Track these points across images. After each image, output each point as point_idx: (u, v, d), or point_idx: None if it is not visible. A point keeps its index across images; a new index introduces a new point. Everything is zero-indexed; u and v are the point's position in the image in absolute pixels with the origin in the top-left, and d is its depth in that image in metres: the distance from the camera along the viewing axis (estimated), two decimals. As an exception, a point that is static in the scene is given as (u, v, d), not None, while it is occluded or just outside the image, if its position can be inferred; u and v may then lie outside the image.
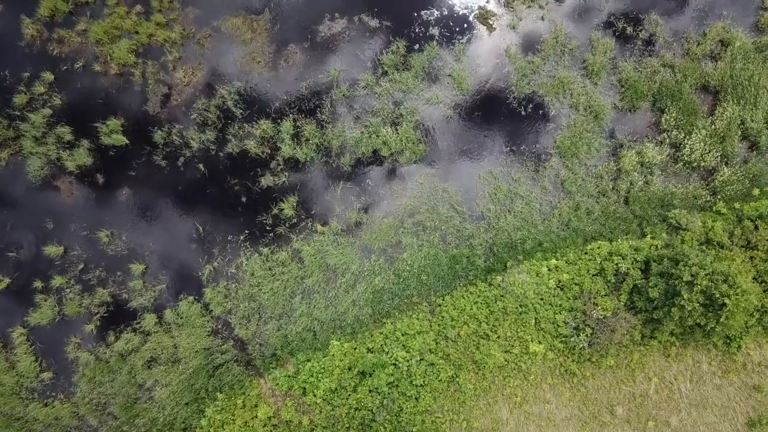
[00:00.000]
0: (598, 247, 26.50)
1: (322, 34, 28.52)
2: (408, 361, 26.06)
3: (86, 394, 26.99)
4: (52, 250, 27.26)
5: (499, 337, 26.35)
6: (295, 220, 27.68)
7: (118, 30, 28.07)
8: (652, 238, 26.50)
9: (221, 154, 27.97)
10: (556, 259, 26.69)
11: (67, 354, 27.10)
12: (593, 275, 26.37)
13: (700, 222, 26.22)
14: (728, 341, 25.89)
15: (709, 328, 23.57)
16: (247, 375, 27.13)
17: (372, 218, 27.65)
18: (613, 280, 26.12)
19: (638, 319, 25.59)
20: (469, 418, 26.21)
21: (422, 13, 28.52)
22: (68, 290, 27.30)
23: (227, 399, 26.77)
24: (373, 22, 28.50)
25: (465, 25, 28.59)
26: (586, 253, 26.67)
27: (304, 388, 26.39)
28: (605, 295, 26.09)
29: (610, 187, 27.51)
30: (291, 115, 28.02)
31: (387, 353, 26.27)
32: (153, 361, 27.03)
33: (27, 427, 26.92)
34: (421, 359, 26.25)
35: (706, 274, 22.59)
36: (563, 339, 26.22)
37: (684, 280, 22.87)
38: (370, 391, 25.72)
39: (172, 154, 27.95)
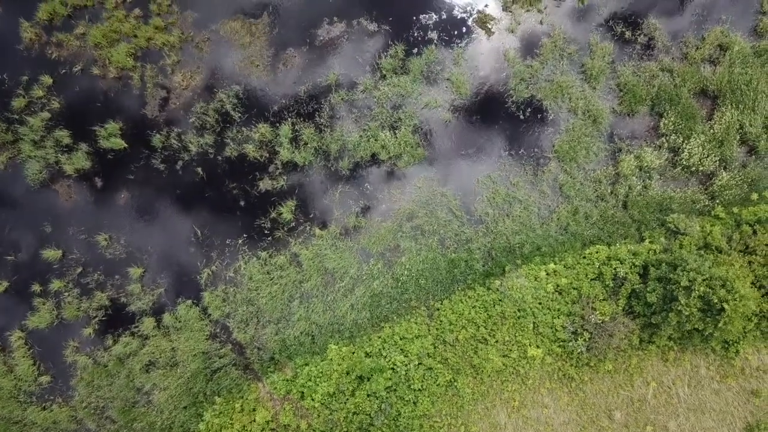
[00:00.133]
0: (597, 252, 26.49)
1: (321, 38, 28.51)
2: (406, 365, 26.04)
3: (84, 398, 27.01)
4: (51, 253, 27.26)
5: (497, 341, 26.34)
6: (293, 224, 27.68)
7: (117, 33, 28.05)
8: (650, 242, 26.49)
9: (220, 157, 27.96)
10: (555, 264, 26.69)
11: (65, 357, 27.13)
12: (591, 280, 26.36)
13: (699, 226, 26.20)
14: (726, 346, 25.87)
15: (707, 333, 23.57)
16: (246, 379, 27.13)
17: (370, 222, 27.65)
18: (612, 285, 26.12)
19: (636, 323, 25.59)
20: (467, 423, 26.21)
21: (421, 17, 28.50)
22: (66, 294, 27.32)
23: (225, 403, 26.77)
24: (372, 26, 28.50)
25: (464, 29, 28.58)
26: (584, 258, 26.66)
27: (303, 392, 26.39)
28: (603, 300, 26.09)
29: (609, 191, 27.51)
30: (289, 119, 28.01)
31: (385, 357, 26.26)
32: (151, 364, 27.04)
33: (25, 430, 26.97)
34: (419, 363, 26.24)
35: (704, 280, 22.59)
36: (561, 343, 26.21)
37: (681, 285, 22.86)
38: (368, 395, 25.72)
39: (170, 157, 27.95)
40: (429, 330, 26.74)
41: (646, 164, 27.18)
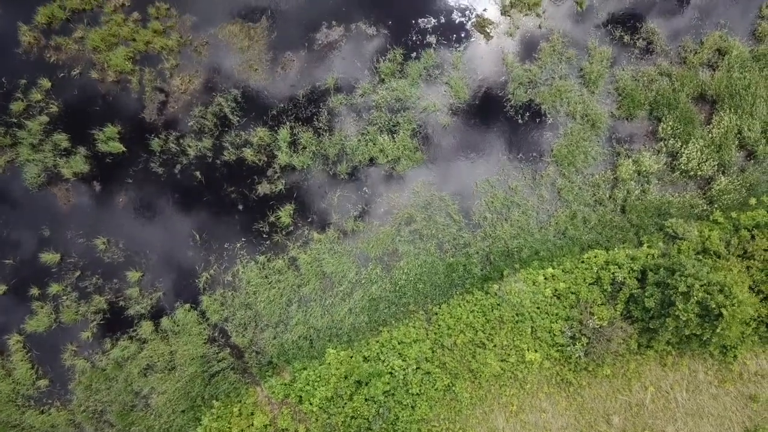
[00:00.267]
0: (595, 256, 26.47)
1: (320, 42, 28.51)
2: (404, 369, 26.03)
3: (82, 402, 27.01)
4: (49, 257, 27.27)
5: (495, 345, 26.34)
6: (291, 228, 27.68)
7: (115, 37, 28.05)
8: (648, 247, 26.49)
9: (218, 161, 27.97)
10: (553, 268, 26.68)
11: (63, 361, 27.12)
12: (590, 284, 26.35)
13: (697, 231, 26.19)
14: (724, 351, 25.84)
15: (705, 338, 23.54)
16: (244, 383, 27.13)
17: (369, 226, 27.64)
18: (610, 290, 26.10)
19: (634, 328, 25.59)
20: (465, 427, 26.20)
21: (420, 21, 28.50)
22: (65, 297, 27.32)
23: (223, 407, 26.77)
24: (371, 30, 28.50)
25: (462, 34, 28.57)
26: (582, 262, 26.65)
27: (301, 397, 26.38)
28: (601, 305, 26.08)
29: (607, 195, 27.50)
30: (288, 123, 28.01)
31: (383, 362, 26.25)
32: (149, 368, 27.04)
33: (23, 434, 26.99)
34: (417, 368, 26.23)
35: (702, 285, 22.58)
36: (559, 348, 26.20)
37: (680, 290, 22.85)
38: (366, 399, 25.71)
39: (168, 161, 27.95)
40: (427, 334, 26.73)
41: (644, 169, 27.17)
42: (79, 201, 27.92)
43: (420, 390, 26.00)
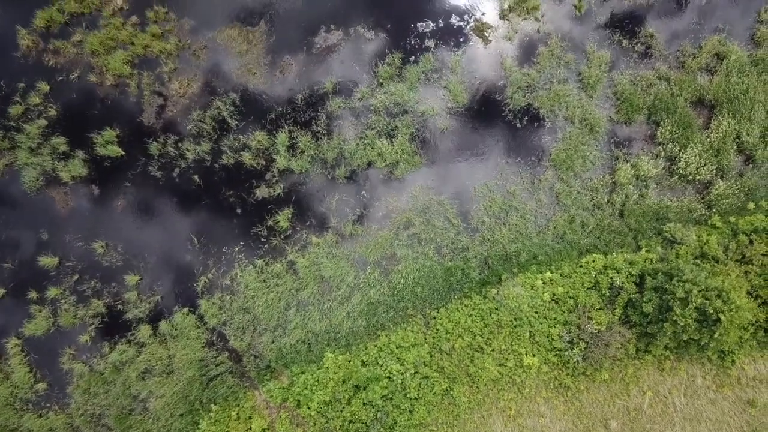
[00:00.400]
0: (593, 261, 26.49)
1: (318, 46, 28.50)
2: (402, 373, 26.04)
3: (81, 405, 27.00)
4: (47, 260, 27.28)
5: (493, 350, 26.34)
6: (290, 232, 27.68)
7: (114, 41, 28.06)
8: (646, 251, 26.49)
9: (216, 165, 27.97)
10: (551, 272, 26.68)
11: (61, 365, 27.12)
12: (588, 289, 26.36)
13: (695, 236, 26.20)
14: (722, 356, 25.85)
15: (703, 342, 23.54)
16: (242, 387, 27.13)
17: (367, 230, 27.64)
18: (608, 294, 26.11)
19: (632, 333, 25.60)
20: (463, 431, 26.20)
21: (418, 25, 28.49)
22: (63, 301, 27.32)
23: (222, 411, 26.77)
24: (369, 34, 28.49)
25: (461, 38, 28.56)
26: (580, 266, 26.66)
27: (299, 401, 26.39)
28: (600, 309, 26.08)
29: (606, 200, 27.49)
30: (286, 127, 28.01)
31: (381, 366, 26.25)
32: (147, 372, 27.03)
33: (21, 438, 26.99)
34: (415, 372, 26.23)
35: (700, 291, 22.57)
36: (557, 352, 26.20)
37: (678, 296, 22.85)
38: (364, 404, 25.71)
39: (167, 165, 27.95)
40: (425, 338, 26.73)
41: (642, 173, 27.16)
42: (77, 204, 27.92)
43: (418, 394, 26.00)
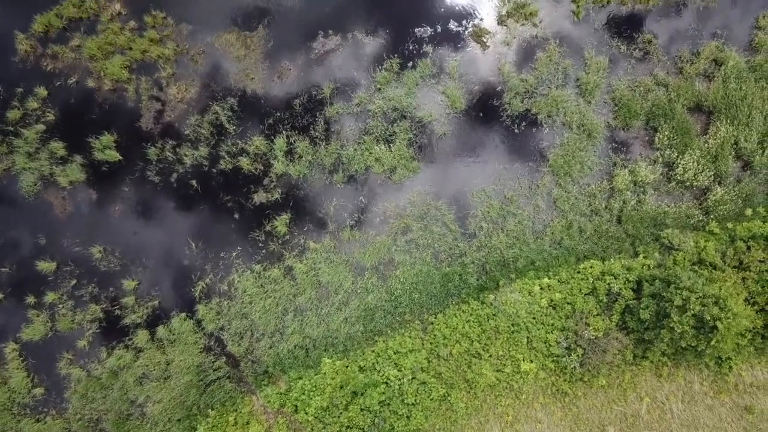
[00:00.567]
0: (591, 267, 26.48)
1: (316, 51, 28.50)
2: (400, 379, 26.04)
3: (78, 410, 27.01)
4: (45, 265, 27.27)
5: (491, 356, 26.34)
6: (287, 237, 27.68)
7: (112, 46, 28.04)
8: (644, 257, 26.49)
9: (214, 170, 27.97)
10: (549, 278, 26.68)
11: (59, 370, 27.14)
12: (585, 295, 26.36)
13: (693, 242, 26.20)
14: (720, 362, 25.86)
15: (700, 349, 23.56)
16: (239, 392, 27.14)
17: (365, 235, 27.64)
18: (605, 300, 26.12)
19: (630, 339, 25.61)
20: (460, 437, 26.24)
21: (416, 30, 28.47)
22: (61, 306, 27.33)
23: (219, 416, 26.78)
24: (367, 39, 28.49)
25: (459, 43, 28.55)
26: (578, 272, 26.66)
27: (296, 406, 26.40)
28: (597, 315, 26.08)
29: (603, 205, 27.49)
30: (284, 132, 28.01)
31: (379, 371, 26.25)
32: (145, 377, 27.04)
33: (19, 443, 27.00)
34: (412, 378, 26.22)
35: (698, 298, 22.57)
36: (555, 358, 26.21)
37: (675, 304, 22.85)
38: (361, 409, 25.70)
39: (165, 170, 27.95)
40: (423, 344, 26.73)
41: (640, 179, 27.16)
42: (75, 209, 27.93)
43: (415, 400, 26.00)
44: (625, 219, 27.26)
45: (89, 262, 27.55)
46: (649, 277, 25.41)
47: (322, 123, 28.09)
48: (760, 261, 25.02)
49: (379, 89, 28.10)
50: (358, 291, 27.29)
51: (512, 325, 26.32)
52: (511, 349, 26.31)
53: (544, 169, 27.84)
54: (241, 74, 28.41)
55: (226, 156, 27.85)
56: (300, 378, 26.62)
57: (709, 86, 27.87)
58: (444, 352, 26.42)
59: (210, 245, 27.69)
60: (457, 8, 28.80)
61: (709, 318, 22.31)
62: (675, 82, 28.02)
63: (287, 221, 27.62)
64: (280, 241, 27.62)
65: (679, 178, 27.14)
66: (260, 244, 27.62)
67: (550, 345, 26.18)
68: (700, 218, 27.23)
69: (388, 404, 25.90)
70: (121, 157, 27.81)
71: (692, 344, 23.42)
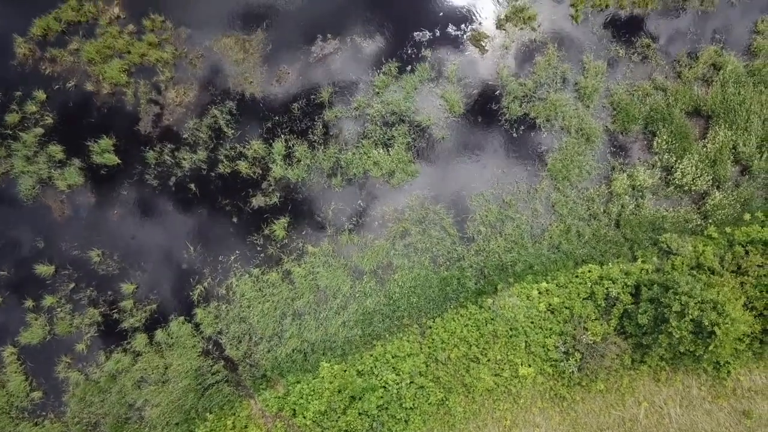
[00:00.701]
0: (589, 271, 26.47)
1: (315, 55, 28.51)
2: (398, 383, 26.02)
3: (76, 414, 26.96)
4: (43, 269, 27.26)
5: (489, 360, 26.33)
6: (286, 241, 27.67)
7: (111, 49, 28.06)
8: (642, 262, 26.48)
9: (213, 174, 27.96)
10: (547, 283, 26.68)
11: (57, 373, 27.07)
12: (584, 299, 26.35)
13: (691, 246, 26.19)
14: (718, 367, 25.82)
15: (698, 354, 23.56)
16: (238, 396, 27.12)
17: (363, 239, 27.63)
18: (604, 305, 26.11)
19: (628, 343, 25.59)
20: (458, 442, 26.23)
21: (415, 34, 28.49)
22: (59, 309, 27.29)
23: (217, 419, 26.76)
24: (366, 43, 28.50)
25: (458, 47, 28.56)
26: (576, 277, 26.66)
27: (294, 410, 26.37)
28: (595, 320, 26.08)
29: (602, 210, 27.49)
30: (283, 136, 28.01)
31: (377, 376, 26.25)
32: (143, 381, 27.00)
33: (17, 446, 26.98)
34: (411, 382, 26.21)
35: (696, 303, 22.57)
36: (553, 363, 26.20)
37: (674, 309, 22.84)
38: (359, 413, 25.70)
39: (163, 173, 27.96)
40: (421, 348, 26.73)
41: (638, 183, 27.17)
42: (73, 213, 27.91)
43: (413, 404, 25.98)
44: (624, 223, 27.26)
45: (88, 266, 27.55)
46: (648, 281, 25.40)
47: (321, 127, 28.10)
48: (758, 266, 25.02)
49: (378, 93, 28.10)
50: (357, 295, 27.28)
51: (510, 329, 26.31)
52: (509, 353, 26.31)
53: (543, 173, 27.85)
54: (240, 78, 28.42)
55: (224, 160, 27.85)
56: (298, 382, 26.61)
57: (708, 90, 27.89)
58: (442, 357, 26.41)
59: (208, 249, 27.68)
60: (455, 12, 28.81)
61: (707, 323, 22.32)
62: (673, 86, 28.04)
63: (286, 225, 27.62)
64: (278, 245, 27.61)
65: (677, 182, 27.14)
66: (258, 248, 27.62)
67: (548, 349, 26.17)
68: (699, 223, 27.23)
69: (386, 408, 25.89)
70: (119, 161, 27.82)
71: (690, 349, 23.43)
